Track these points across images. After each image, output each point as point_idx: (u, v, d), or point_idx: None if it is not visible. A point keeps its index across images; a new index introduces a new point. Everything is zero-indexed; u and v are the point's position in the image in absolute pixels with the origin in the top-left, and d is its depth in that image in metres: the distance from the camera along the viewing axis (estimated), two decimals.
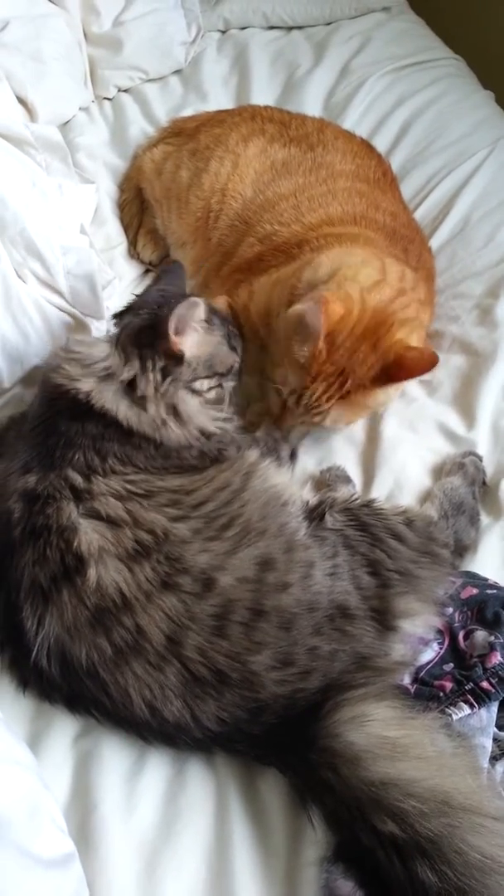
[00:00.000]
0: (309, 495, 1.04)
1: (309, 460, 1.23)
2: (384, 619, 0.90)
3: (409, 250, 1.35)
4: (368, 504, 1.01)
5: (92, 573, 0.87)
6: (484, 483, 1.15)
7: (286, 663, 0.84)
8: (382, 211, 1.39)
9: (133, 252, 1.63)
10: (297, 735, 0.82)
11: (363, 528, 0.96)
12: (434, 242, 1.54)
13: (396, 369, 1.07)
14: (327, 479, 1.16)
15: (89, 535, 0.89)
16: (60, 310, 1.29)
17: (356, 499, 1.02)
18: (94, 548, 0.88)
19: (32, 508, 0.92)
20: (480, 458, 1.17)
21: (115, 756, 0.90)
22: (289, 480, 1.07)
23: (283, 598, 0.87)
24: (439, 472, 1.18)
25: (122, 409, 1.00)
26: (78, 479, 0.94)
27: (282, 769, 0.85)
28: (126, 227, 1.66)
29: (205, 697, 0.83)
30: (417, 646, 0.95)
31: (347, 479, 1.17)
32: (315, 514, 0.98)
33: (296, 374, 1.12)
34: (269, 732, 0.83)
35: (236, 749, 0.87)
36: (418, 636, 0.94)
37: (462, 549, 1.06)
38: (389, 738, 0.79)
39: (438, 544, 0.99)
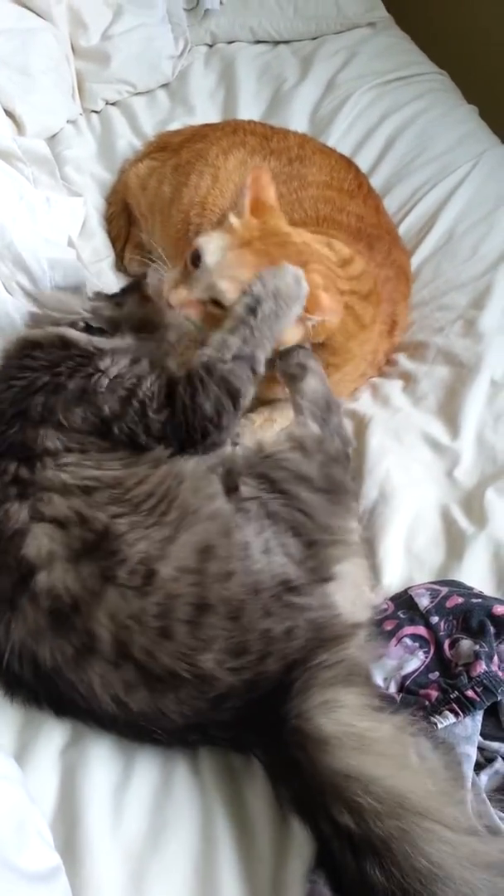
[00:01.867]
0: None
1: None
2: (321, 573, 0.92)
3: (375, 247, 1.37)
4: (268, 455, 1.01)
5: (42, 577, 0.87)
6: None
7: (239, 653, 0.84)
8: (347, 213, 1.41)
9: (121, 265, 1.64)
10: (267, 716, 0.82)
11: (274, 486, 0.97)
12: (419, 255, 1.56)
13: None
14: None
15: (39, 539, 0.89)
16: None
17: (254, 452, 1.02)
18: (43, 552, 0.89)
19: None
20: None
21: (101, 767, 0.90)
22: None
23: (229, 586, 0.87)
24: (426, 481, 1.20)
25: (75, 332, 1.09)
26: (23, 470, 0.94)
27: (256, 753, 0.86)
28: (113, 240, 1.67)
29: (164, 692, 0.83)
30: (403, 653, 0.96)
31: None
32: (230, 484, 0.97)
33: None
34: (238, 716, 0.84)
35: (211, 735, 0.87)
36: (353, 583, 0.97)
37: (347, 441, 1.09)
38: (357, 728, 0.79)
39: (334, 462, 1.02)
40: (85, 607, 0.85)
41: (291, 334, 1.12)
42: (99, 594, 0.86)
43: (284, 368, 1.13)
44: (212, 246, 1.11)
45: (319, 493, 0.98)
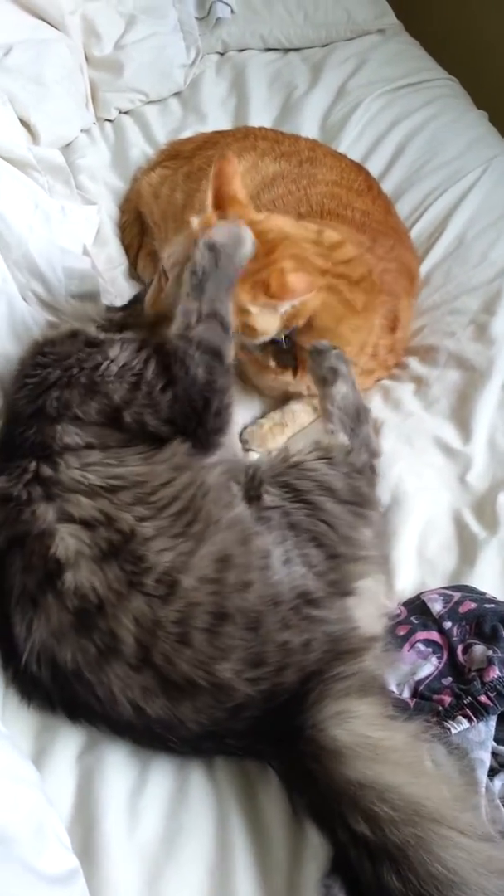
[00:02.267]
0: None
1: None
2: (342, 587, 0.93)
3: (378, 241, 1.37)
4: (294, 464, 1.02)
5: (69, 576, 0.88)
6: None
7: (257, 664, 0.85)
8: (352, 209, 1.42)
9: (134, 273, 1.65)
10: (283, 725, 0.82)
11: (298, 496, 0.98)
12: (430, 260, 1.57)
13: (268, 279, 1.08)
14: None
15: (66, 540, 0.90)
16: None
17: (280, 460, 1.03)
18: (71, 552, 0.89)
19: (9, 514, 0.94)
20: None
21: (118, 772, 0.91)
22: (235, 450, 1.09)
23: (247, 597, 0.87)
24: (438, 486, 1.20)
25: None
26: (45, 469, 0.95)
27: (272, 762, 0.86)
28: (127, 248, 1.68)
29: (182, 699, 0.84)
30: (416, 659, 0.96)
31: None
32: (252, 493, 0.98)
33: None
34: (254, 726, 0.84)
35: (226, 744, 0.87)
36: (378, 599, 0.98)
37: (374, 453, 1.11)
38: (371, 738, 0.80)
39: (359, 475, 1.03)
40: (110, 608, 0.86)
41: (268, 324, 1.12)
42: (124, 597, 0.87)
43: (316, 371, 1.14)
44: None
45: (344, 504, 0.99)
